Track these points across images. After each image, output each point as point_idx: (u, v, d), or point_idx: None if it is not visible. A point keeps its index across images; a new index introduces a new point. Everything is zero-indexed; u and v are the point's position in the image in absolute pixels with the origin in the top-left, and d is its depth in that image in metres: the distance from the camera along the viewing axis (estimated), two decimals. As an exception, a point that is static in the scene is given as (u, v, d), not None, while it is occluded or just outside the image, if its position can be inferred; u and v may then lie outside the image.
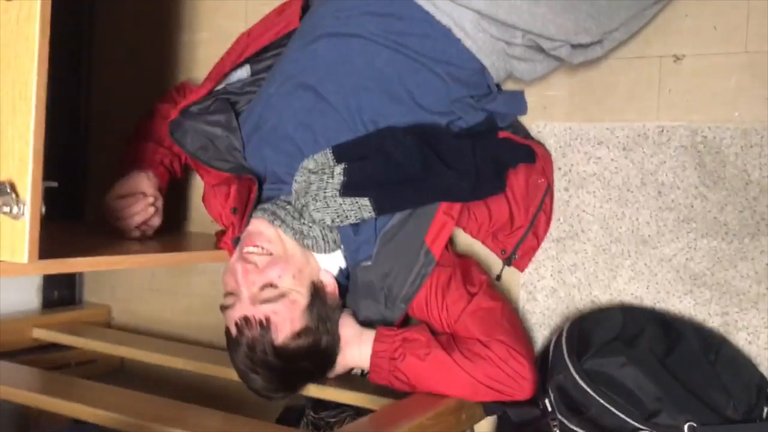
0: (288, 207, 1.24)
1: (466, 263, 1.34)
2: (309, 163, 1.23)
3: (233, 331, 1.20)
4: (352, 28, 1.24)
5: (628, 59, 1.31)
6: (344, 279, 1.30)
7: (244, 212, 1.30)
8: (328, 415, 1.42)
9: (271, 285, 1.19)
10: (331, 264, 1.28)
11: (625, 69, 1.31)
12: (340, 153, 1.22)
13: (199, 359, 1.49)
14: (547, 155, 1.36)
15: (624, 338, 1.18)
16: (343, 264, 1.28)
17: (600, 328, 1.21)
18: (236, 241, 1.30)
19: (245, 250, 1.22)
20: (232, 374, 1.41)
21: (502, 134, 1.30)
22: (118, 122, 1.78)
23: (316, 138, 1.24)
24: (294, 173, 1.25)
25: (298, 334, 1.19)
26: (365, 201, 1.20)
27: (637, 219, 1.31)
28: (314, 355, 1.23)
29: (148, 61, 1.81)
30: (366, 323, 1.28)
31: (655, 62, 1.29)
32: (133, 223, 1.36)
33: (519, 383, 1.18)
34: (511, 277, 1.41)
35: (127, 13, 1.85)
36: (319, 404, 1.42)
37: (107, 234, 1.37)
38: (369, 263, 1.25)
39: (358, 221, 1.22)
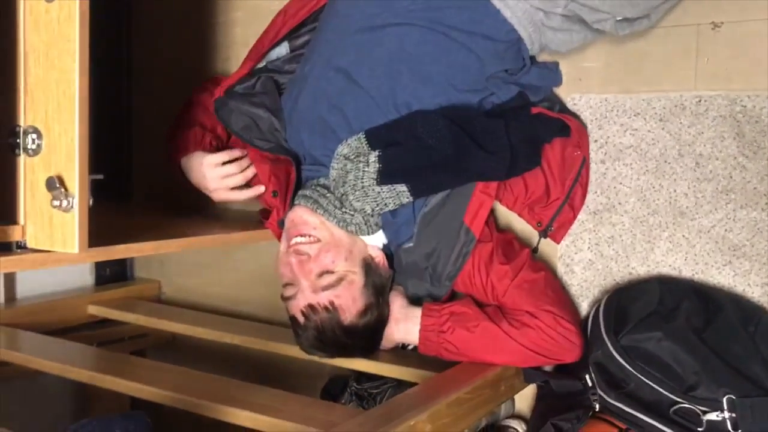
0: (329, 195, 1.27)
1: (506, 237, 1.36)
2: (343, 149, 1.25)
3: (300, 318, 1.25)
4: (390, 9, 1.23)
5: (664, 28, 1.28)
6: (390, 251, 1.33)
7: (285, 195, 1.33)
8: (371, 386, 1.47)
9: (328, 271, 1.23)
10: (375, 241, 1.31)
11: (662, 38, 1.29)
12: (374, 137, 1.23)
13: (246, 333, 1.55)
14: (582, 128, 1.35)
15: (662, 312, 1.19)
16: (385, 240, 1.32)
17: (637, 302, 1.22)
18: (281, 223, 1.34)
19: (294, 240, 1.26)
20: (278, 348, 1.47)
21: (535, 110, 1.29)
22: (160, 106, 1.82)
23: (349, 121, 1.26)
24: (329, 154, 1.28)
25: (364, 312, 1.25)
26: (402, 187, 1.23)
27: (675, 190, 1.30)
28: (380, 328, 1.29)
29: (185, 44, 1.84)
30: (414, 300, 1.33)
31: (692, 30, 1.26)
32: (237, 183, 1.37)
33: (568, 348, 1.22)
34: (548, 249, 1.42)
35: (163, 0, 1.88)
36: (362, 375, 1.47)
37: (154, 215, 1.42)
38: (411, 245, 1.28)
39: (397, 207, 1.24)
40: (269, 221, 1.39)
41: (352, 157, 1.24)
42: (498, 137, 1.22)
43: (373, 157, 1.23)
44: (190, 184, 1.40)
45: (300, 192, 1.31)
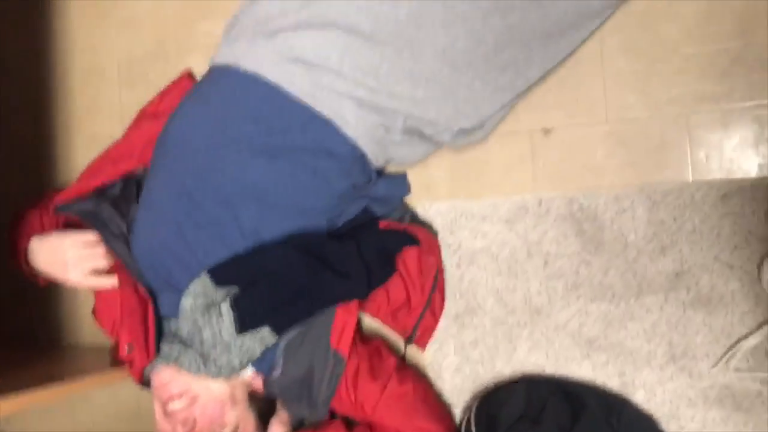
0: (189, 351, 1.19)
1: (373, 348, 1.33)
2: (188, 300, 1.18)
3: None
4: (228, 135, 1.20)
5: (500, 135, 1.34)
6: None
7: (146, 341, 1.23)
8: None
9: (220, 425, 1.20)
10: (246, 372, 1.26)
11: (499, 145, 1.34)
12: (219, 276, 1.18)
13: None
14: (431, 236, 1.36)
15: (530, 415, 1.19)
16: (253, 369, 1.27)
17: (505, 407, 1.22)
18: (146, 379, 1.25)
19: (171, 407, 1.18)
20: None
21: (382, 224, 1.30)
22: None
23: (191, 248, 1.20)
24: (171, 280, 1.21)
25: None
26: (265, 330, 1.18)
27: (529, 289, 1.33)
28: None
29: (29, 162, 1.73)
30: (296, 422, 1.28)
31: (526, 136, 1.33)
32: (101, 266, 1.25)
33: None
34: (418, 355, 1.41)
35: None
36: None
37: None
38: (277, 373, 1.23)
39: (264, 349, 1.20)
40: (132, 370, 1.27)
41: (202, 309, 1.18)
42: (352, 259, 1.21)
43: (225, 307, 1.17)
44: (34, 275, 1.28)
45: (162, 352, 1.22)
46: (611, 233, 1.27)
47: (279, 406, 1.29)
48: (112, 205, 1.31)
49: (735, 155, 1.21)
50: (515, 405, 1.21)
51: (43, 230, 1.32)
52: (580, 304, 1.30)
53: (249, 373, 1.26)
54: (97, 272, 1.24)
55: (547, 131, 1.32)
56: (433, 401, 1.32)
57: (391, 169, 1.40)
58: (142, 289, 1.25)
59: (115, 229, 1.29)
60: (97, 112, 1.67)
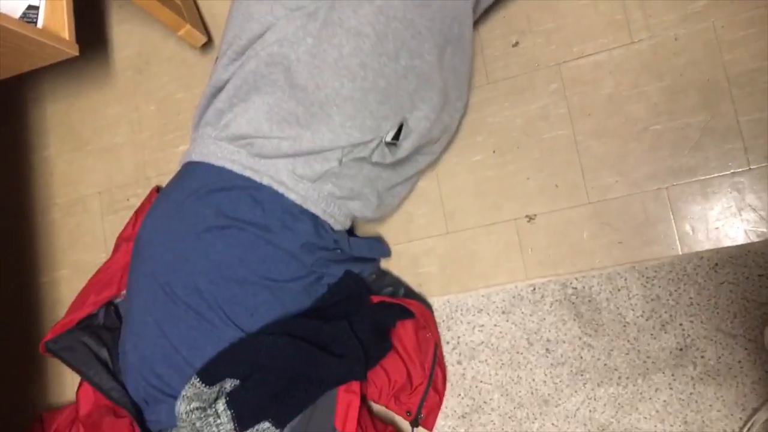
0: None
1: None
2: (182, 406, 1.15)
3: None
4: (186, 222, 1.19)
5: (485, 226, 1.35)
6: None
7: None
8: None
9: None
10: None
11: (485, 235, 1.35)
12: (209, 377, 1.14)
13: None
14: (425, 310, 1.33)
15: None
16: None
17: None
18: None
19: None
20: None
21: (375, 298, 1.27)
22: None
23: (176, 347, 1.16)
24: (165, 388, 1.17)
25: None
26: (266, 425, 1.14)
27: (533, 379, 1.30)
28: None
29: (9, 308, 1.70)
30: None
31: (511, 225, 1.33)
32: None
33: None
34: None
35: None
36: None
37: None
38: None
39: None
40: None
41: (198, 412, 1.14)
42: (347, 339, 1.18)
43: (222, 405, 1.13)
44: None
45: None
46: (609, 314, 1.26)
47: None
48: (94, 335, 1.30)
49: (720, 224, 1.22)
50: (535, 505, 1.16)
51: None
52: (588, 390, 1.27)
53: None
54: None
55: (531, 218, 1.32)
56: None
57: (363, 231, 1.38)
58: (120, 410, 1.22)
59: (95, 359, 1.27)
60: (80, 240, 1.66)
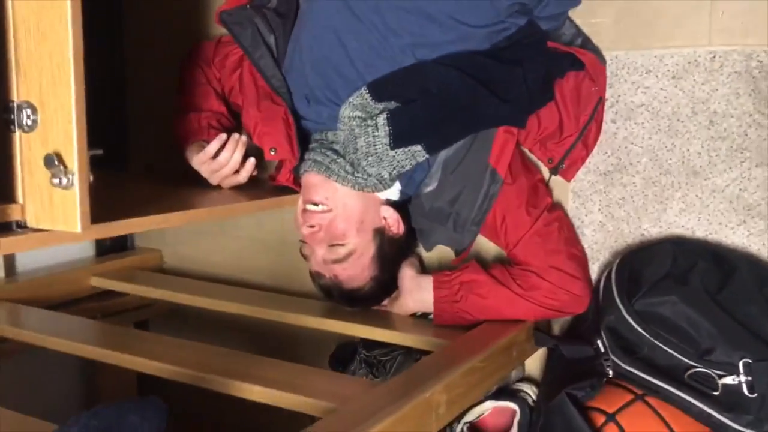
0: (339, 160, 1.24)
1: (532, 181, 1.31)
2: (347, 110, 1.21)
3: (313, 274, 1.31)
4: None
5: (676, -20, 1.24)
6: (405, 196, 1.32)
7: (291, 144, 1.29)
8: (380, 353, 1.46)
9: (338, 243, 1.25)
10: (391, 193, 1.30)
11: (675, -9, 1.24)
12: (377, 91, 1.19)
13: (250, 302, 1.52)
14: (598, 63, 1.28)
15: (675, 275, 1.17)
16: (401, 186, 1.30)
17: (650, 265, 1.20)
18: (296, 170, 1.32)
19: (306, 207, 1.27)
20: (283, 317, 1.46)
21: (549, 43, 1.25)
22: (152, 73, 1.79)
23: (352, 60, 1.21)
24: (332, 97, 1.25)
25: (369, 281, 1.29)
26: (417, 147, 1.20)
27: (688, 150, 1.27)
28: (383, 292, 1.35)
29: (178, 10, 1.77)
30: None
31: (706, -18, 1.22)
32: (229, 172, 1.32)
33: (575, 302, 1.24)
34: (558, 189, 1.39)
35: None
36: (370, 342, 1.46)
37: (153, 187, 1.38)
38: (432, 188, 1.25)
39: (413, 166, 1.22)
40: (281, 174, 1.35)
41: (359, 120, 1.20)
42: (516, 85, 1.18)
43: (382, 120, 1.19)
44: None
45: (311, 155, 1.29)
46: (791, 94, 1.18)
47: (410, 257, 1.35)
48: (265, 19, 1.33)
49: None
50: (661, 263, 1.19)
51: (194, 130, 1.38)
52: (744, 168, 1.23)
53: (395, 190, 1.29)
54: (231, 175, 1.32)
55: (732, -23, 1.20)
56: (573, 240, 1.33)
57: None
58: (278, 99, 1.31)
59: (262, 43, 1.32)
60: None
